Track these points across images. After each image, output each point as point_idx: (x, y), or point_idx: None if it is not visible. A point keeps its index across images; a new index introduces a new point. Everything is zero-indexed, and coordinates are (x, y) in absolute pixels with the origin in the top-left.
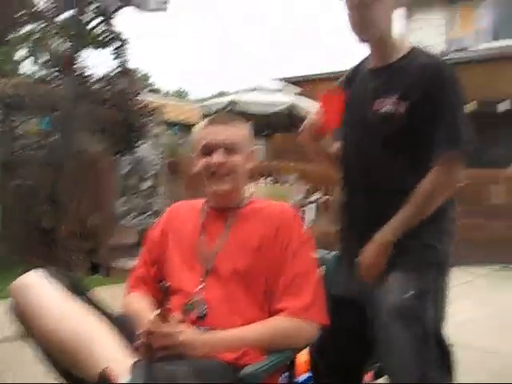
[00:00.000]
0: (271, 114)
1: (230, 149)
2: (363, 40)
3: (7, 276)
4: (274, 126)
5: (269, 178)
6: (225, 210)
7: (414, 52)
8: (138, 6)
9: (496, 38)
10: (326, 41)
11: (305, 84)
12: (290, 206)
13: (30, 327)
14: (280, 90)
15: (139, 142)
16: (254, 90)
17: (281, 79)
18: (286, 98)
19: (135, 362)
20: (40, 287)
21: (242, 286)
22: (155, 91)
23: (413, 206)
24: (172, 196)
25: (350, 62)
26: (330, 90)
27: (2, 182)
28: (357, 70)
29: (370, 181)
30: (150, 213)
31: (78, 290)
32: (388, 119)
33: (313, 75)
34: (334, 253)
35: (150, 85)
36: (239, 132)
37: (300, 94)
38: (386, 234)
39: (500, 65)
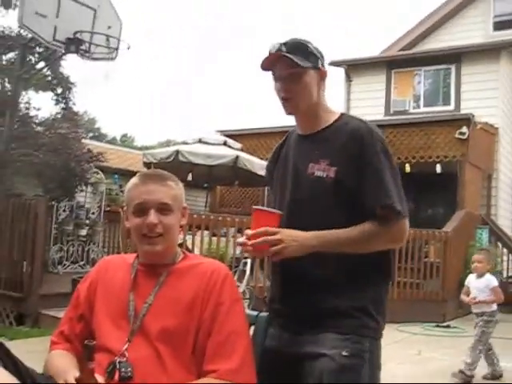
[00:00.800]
0: (214, 166)
1: (162, 209)
2: (290, 113)
3: None
4: (216, 178)
5: (207, 231)
6: (156, 267)
7: (343, 118)
8: (84, 55)
9: (428, 104)
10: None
11: (246, 138)
12: (222, 264)
13: None
14: (224, 143)
15: (78, 189)
16: (198, 141)
17: (223, 132)
18: (229, 152)
19: None
20: None
21: (169, 346)
22: (101, 136)
23: (348, 233)
24: (109, 245)
25: (286, 120)
26: (263, 209)
27: None
28: (284, 141)
29: None
30: (85, 261)
31: None
32: (320, 183)
33: (251, 129)
34: (263, 313)
35: (97, 130)
36: (171, 191)
37: (241, 149)
38: (312, 238)
39: (434, 129)
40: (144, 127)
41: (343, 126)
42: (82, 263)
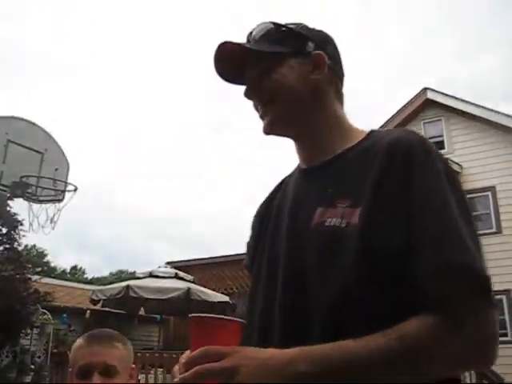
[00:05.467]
0: (166, 300)
1: (107, 372)
2: (273, 132)
3: None
4: (169, 310)
5: (160, 369)
6: None
7: (375, 135)
8: (31, 198)
9: None
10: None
11: (197, 269)
12: None
13: None
14: (175, 276)
15: (23, 332)
16: (149, 275)
17: (173, 264)
18: (180, 284)
19: None
20: None
21: None
22: (50, 270)
23: (374, 346)
24: None
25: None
26: (208, 317)
27: None
28: (279, 187)
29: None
30: None
31: None
32: (335, 237)
33: (202, 259)
34: None
35: (46, 264)
36: (117, 353)
37: (193, 280)
38: (298, 359)
39: None
40: (94, 259)
41: (375, 143)
42: None
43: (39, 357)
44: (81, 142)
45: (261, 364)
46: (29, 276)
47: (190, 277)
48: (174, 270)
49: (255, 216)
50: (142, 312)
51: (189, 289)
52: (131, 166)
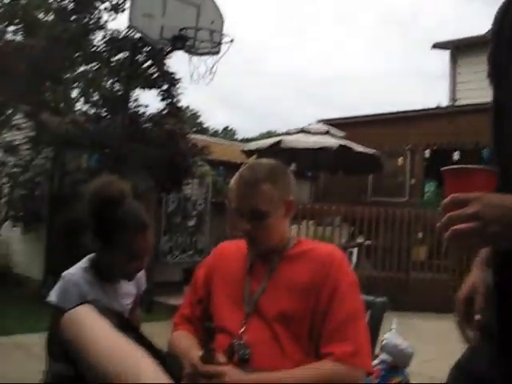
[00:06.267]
0: (318, 155)
1: (255, 216)
2: None
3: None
4: (320, 166)
5: (312, 221)
6: (269, 253)
7: None
8: (189, 50)
9: None
10: (367, 84)
11: (350, 127)
12: (337, 248)
13: (79, 360)
14: (326, 132)
15: (185, 182)
16: (300, 131)
17: (326, 122)
18: (332, 140)
19: None
20: (89, 322)
21: (286, 329)
22: (203, 130)
23: None
24: (216, 235)
25: (390, 106)
26: (459, 168)
27: (51, 215)
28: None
29: None
30: (193, 251)
31: (124, 326)
32: None
33: (355, 117)
34: (380, 298)
35: (199, 124)
36: (265, 196)
37: (345, 137)
38: None
39: None
40: (245, 120)
41: None
42: (190, 253)
43: (200, 204)
44: None
45: (500, 210)
46: (187, 131)
47: (341, 133)
48: (325, 127)
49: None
50: (293, 167)
51: (340, 145)
52: (285, 26)
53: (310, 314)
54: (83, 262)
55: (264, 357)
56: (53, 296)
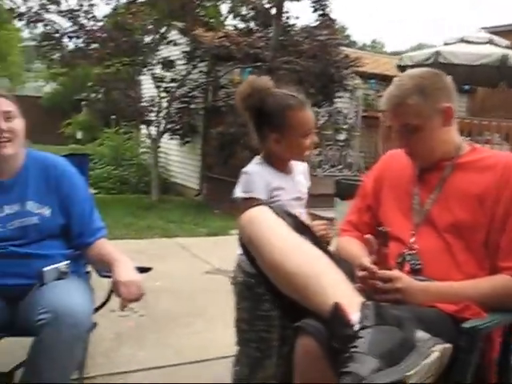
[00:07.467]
0: (477, 67)
1: (409, 130)
2: None
3: (208, 216)
4: (478, 79)
5: (468, 138)
6: (440, 161)
7: None
8: None
9: None
10: None
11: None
12: None
13: (256, 257)
14: (488, 41)
15: (336, 95)
16: (460, 40)
17: (489, 29)
18: (495, 50)
19: (364, 303)
20: (265, 221)
21: (460, 239)
22: (351, 44)
23: None
24: (366, 149)
25: None
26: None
27: (206, 128)
28: None
29: None
30: (343, 165)
31: (299, 227)
32: None
33: None
34: None
35: (346, 37)
36: (413, 110)
37: (509, 46)
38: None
39: None
40: (393, 32)
41: None
42: (339, 167)
43: (351, 118)
44: None
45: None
46: (340, 42)
47: (505, 42)
48: (488, 35)
49: None
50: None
51: (503, 55)
52: None
53: (486, 226)
54: (257, 159)
55: (436, 268)
56: (238, 192)
